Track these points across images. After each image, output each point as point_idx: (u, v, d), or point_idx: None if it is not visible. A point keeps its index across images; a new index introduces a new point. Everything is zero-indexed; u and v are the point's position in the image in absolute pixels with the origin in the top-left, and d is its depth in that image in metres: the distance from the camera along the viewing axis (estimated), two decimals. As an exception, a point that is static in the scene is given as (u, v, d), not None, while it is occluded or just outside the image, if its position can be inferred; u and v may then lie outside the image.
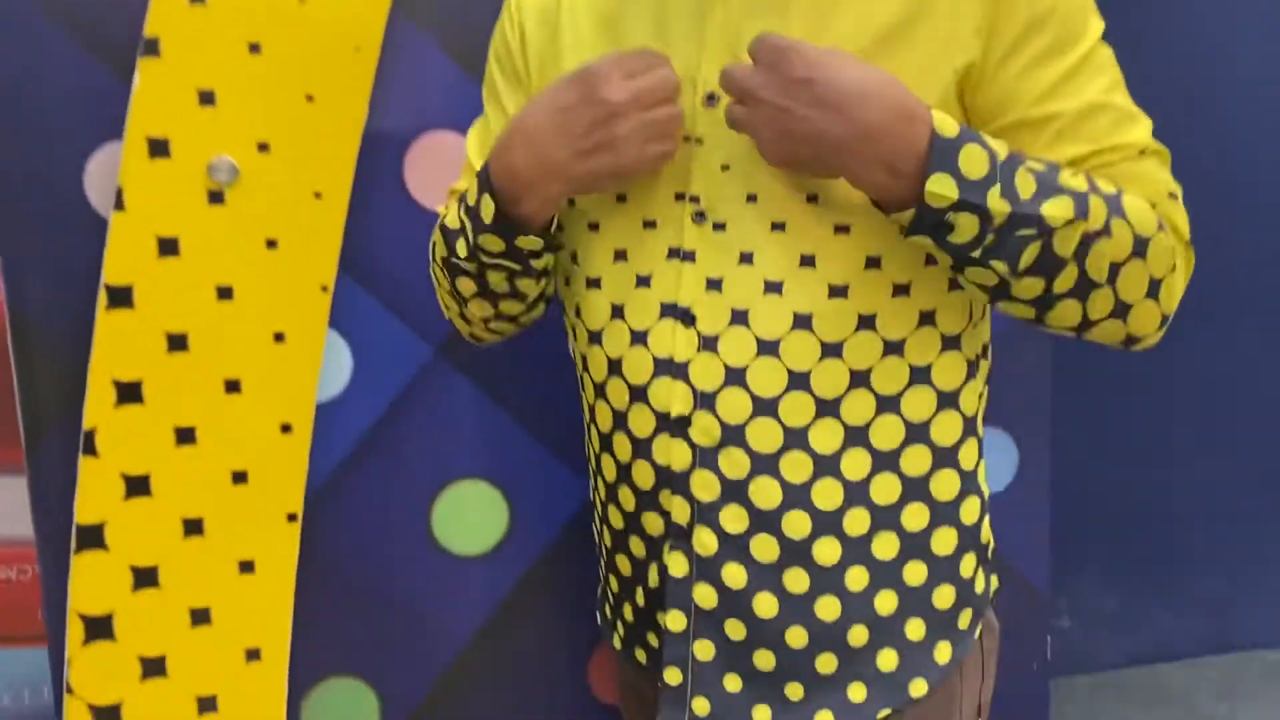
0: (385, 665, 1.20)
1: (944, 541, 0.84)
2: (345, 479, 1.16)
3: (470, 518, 1.21)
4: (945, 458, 0.83)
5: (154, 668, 1.09)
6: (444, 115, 1.12)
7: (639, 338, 0.82)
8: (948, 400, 0.82)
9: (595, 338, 0.85)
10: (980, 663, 0.89)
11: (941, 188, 0.68)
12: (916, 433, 0.81)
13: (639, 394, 0.82)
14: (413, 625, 1.20)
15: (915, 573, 0.83)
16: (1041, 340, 1.32)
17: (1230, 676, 2.43)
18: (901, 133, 0.69)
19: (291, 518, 1.13)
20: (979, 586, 0.87)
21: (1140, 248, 0.73)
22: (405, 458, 1.18)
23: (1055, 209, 0.70)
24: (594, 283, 0.85)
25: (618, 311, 0.83)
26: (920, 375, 0.81)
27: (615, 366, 0.84)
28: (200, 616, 1.10)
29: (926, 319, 0.80)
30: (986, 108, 0.76)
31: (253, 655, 1.13)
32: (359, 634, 1.19)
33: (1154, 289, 0.75)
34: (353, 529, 1.17)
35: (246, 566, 1.12)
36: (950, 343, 0.81)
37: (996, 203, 0.69)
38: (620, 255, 0.83)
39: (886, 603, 0.83)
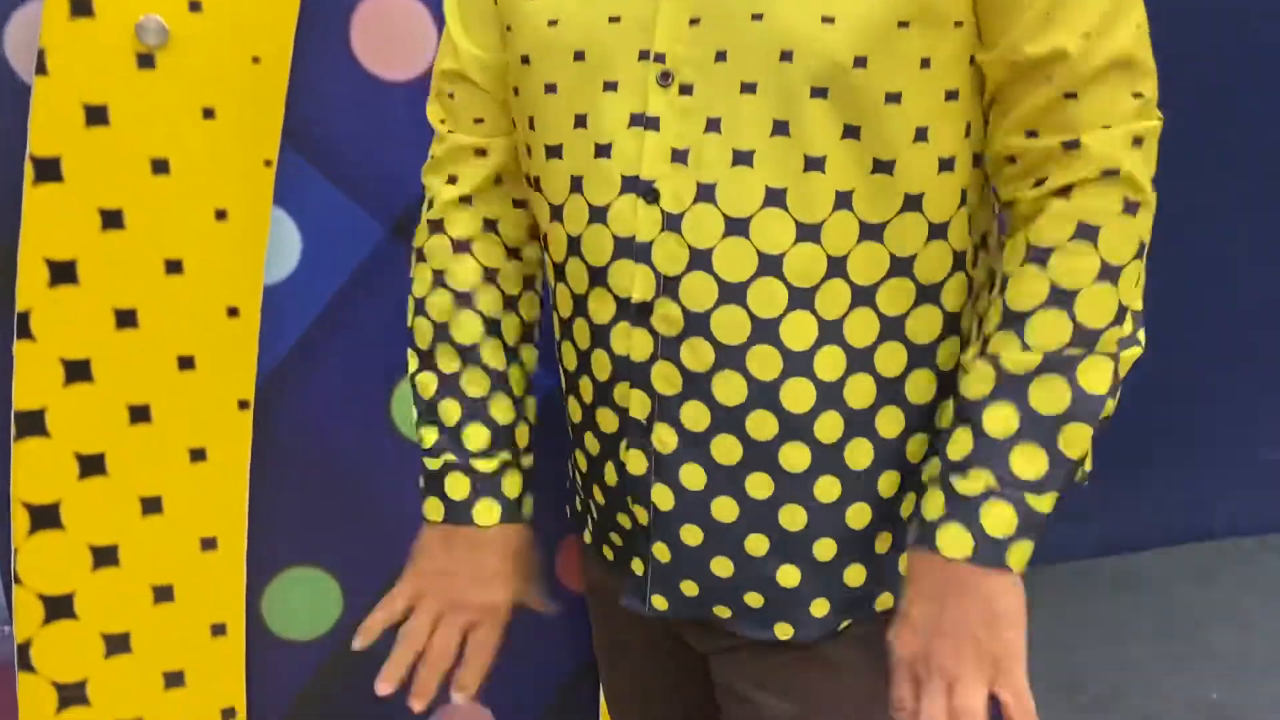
0: (347, 554, 1.18)
1: (918, 448, 0.78)
2: (298, 364, 1.12)
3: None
4: (921, 357, 0.77)
5: (105, 557, 1.06)
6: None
7: (598, 214, 0.76)
8: (926, 294, 0.75)
9: (556, 213, 0.79)
10: None
11: (1017, 561, 0.70)
12: (891, 329, 0.75)
13: (598, 277, 0.77)
14: (374, 513, 1.17)
15: (889, 483, 0.78)
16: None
17: (1206, 563, 2.46)
18: (987, 602, 0.70)
19: (243, 404, 1.09)
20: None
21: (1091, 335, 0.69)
22: (361, 341, 1.13)
23: (1077, 445, 0.69)
24: (554, 151, 0.78)
25: (577, 184, 0.77)
26: (900, 266, 0.74)
27: (574, 245, 0.78)
28: (151, 505, 1.07)
29: (911, 203, 0.73)
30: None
31: (208, 544, 1.10)
32: (319, 523, 1.16)
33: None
34: (309, 415, 1.13)
35: (198, 454, 1.08)
36: (936, 231, 0.74)
37: (1044, 504, 0.69)
38: (580, 121, 0.76)
39: (858, 516, 0.78)
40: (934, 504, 0.70)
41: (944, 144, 0.72)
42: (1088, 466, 0.73)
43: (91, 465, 1.04)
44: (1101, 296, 0.68)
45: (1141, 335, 0.73)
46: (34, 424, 1.01)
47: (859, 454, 0.76)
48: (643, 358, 0.76)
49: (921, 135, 0.71)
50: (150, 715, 1.10)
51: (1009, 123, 0.71)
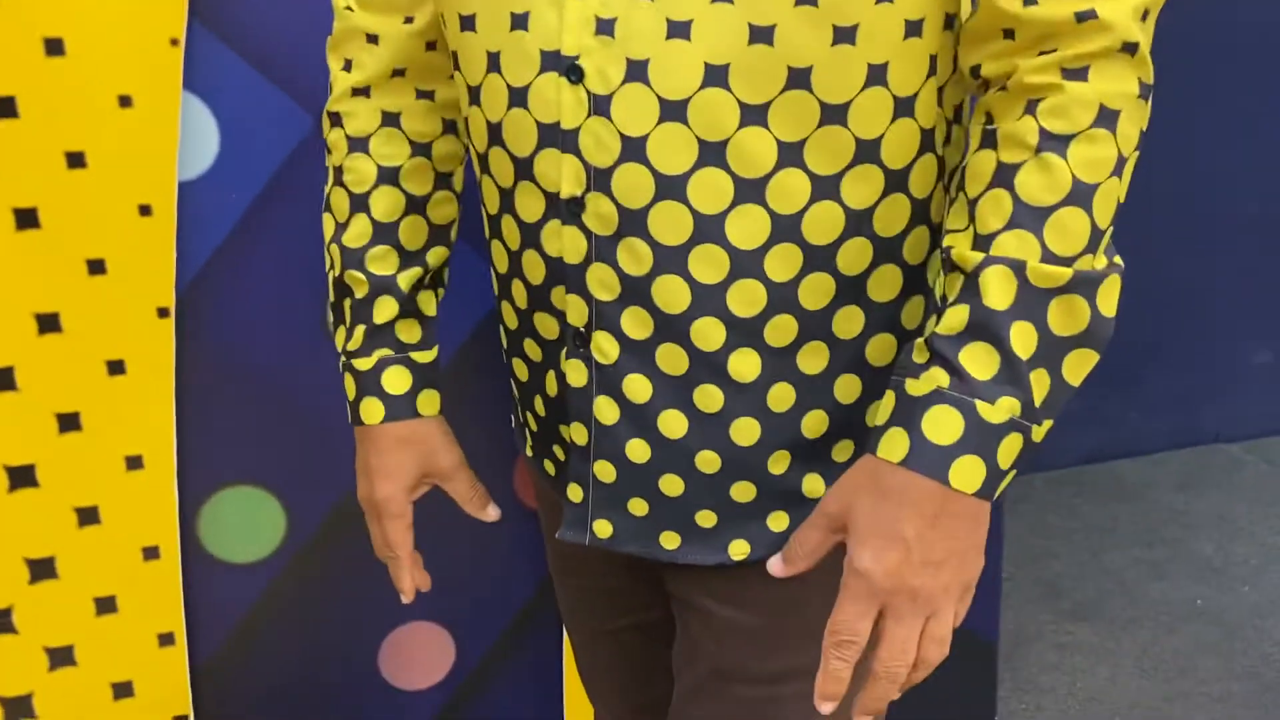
0: (289, 472, 1.11)
1: (881, 350, 0.71)
2: (223, 267, 1.03)
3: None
4: (887, 251, 0.68)
5: (22, 478, 0.99)
6: None
7: (518, 97, 0.66)
8: (894, 180, 0.67)
9: (474, 96, 0.70)
10: None
11: (1006, 483, 0.61)
12: (856, 223, 0.66)
13: (524, 169, 0.68)
14: (316, 428, 1.10)
15: (848, 388, 0.70)
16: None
17: (1190, 470, 2.43)
18: (969, 525, 0.62)
19: (162, 312, 1.00)
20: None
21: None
22: (291, 240, 1.04)
23: (1077, 369, 0.60)
24: (467, 23, 0.68)
25: (494, 62, 0.67)
26: (867, 151, 0.65)
27: (495, 133, 0.69)
28: (68, 422, 0.99)
29: (875, 76, 0.63)
30: None
31: (134, 463, 1.03)
32: (257, 438, 1.09)
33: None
34: (239, 322, 1.05)
35: (116, 367, 1.00)
36: (903, 107, 0.65)
37: (1039, 433, 0.60)
38: None
39: (815, 424, 0.71)
40: (949, 425, 0.61)
41: (911, 4, 0.63)
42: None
43: (1, 381, 0.96)
44: (1112, 192, 0.59)
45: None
46: (-70, 335, 0.93)
47: (814, 359, 0.69)
48: (576, 260, 0.68)
49: None
50: (84, 646, 1.04)
51: None
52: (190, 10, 0.95)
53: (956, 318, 0.59)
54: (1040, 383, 0.59)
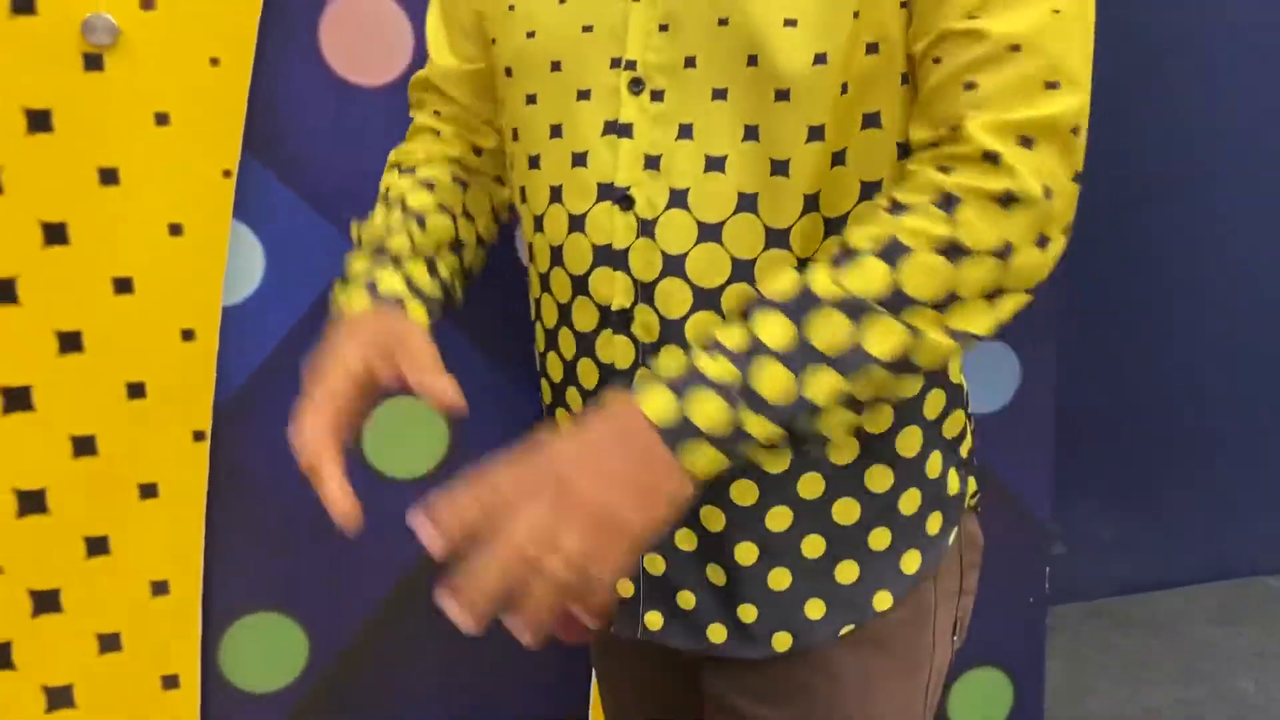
0: (313, 599, 1.09)
1: (909, 442, 0.75)
2: (260, 392, 1.03)
3: (406, 437, 1.08)
4: None
5: (47, 603, 0.97)
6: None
7: (577, 223, 0.74)
8: None
9: (538, 224, 0.78)
10: (958, 575, 0.81)
11: (702, 463, 0.60)
12: None
13: (580, 285, 0.75)
14: (343, 556, 1.08)
15: (880, 478, 0.74)
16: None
17: (1227, 603, 2.36)
18: (642, 458, 0.60)
19: (198, 436, 1.00)
20: (951, 488, 0.78)
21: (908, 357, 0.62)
22: (329, 369, 1.04)
23: (819, 388, 0.60)
24: (534, 162, 0.77)
25: (556, 194, 0.75)
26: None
27: (556, 255, 0.76)
28: (97, 546, 0.98)
29: (868, 193, 0.70)
30: None
31: (159, 589, 1.01)
32: (283, 565, 1.07)
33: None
34: (271, 448, 1.04)
35: (148, 490, 0.99)
36: None
37: (758, 427, 0.60)
38: (556, 131, 0.75)
39: (845, 511, 0.75)
40: (673, 364, 0.65)
41: (898, 129, 0.70)
42: (825, 431, 0.64)
43: (31, 502, 0.95)
44: (933, 268, 0.62)
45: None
46: (-34, 456, 0.93)
47: (843, 452, 0.74)
48: (626, 365, 0.74)
49: (872, 121, 0.69)
50: (94, 776, 1.01)
51: (916, 108, 0.68)
52: (243, 143, 0.97)
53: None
54: (775, 376, 0.60)
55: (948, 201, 0.62)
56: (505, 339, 1.10)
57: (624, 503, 0.59)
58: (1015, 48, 0.63)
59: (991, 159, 0.62)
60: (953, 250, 0.62)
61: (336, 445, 0.72)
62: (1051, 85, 0.63)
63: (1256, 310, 2.32)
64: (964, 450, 0.79)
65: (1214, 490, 2.39)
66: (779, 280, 0.64)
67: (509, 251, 1.07)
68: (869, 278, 0.62)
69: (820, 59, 0.67)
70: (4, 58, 0.88)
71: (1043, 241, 0.64)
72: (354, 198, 1.01)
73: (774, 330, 0.61)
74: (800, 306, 0.62)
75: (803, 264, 0.70)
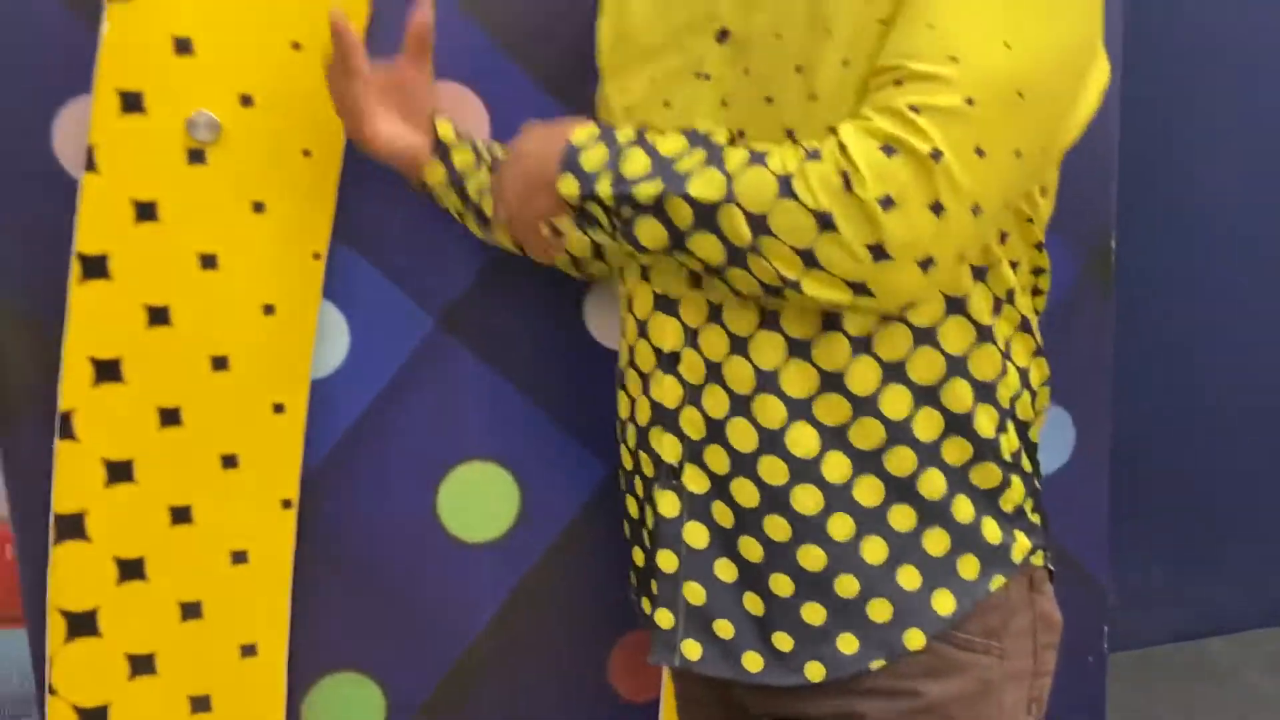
0: (390, 660, 1.13)
1: (932, 486, 0.79)
2: (343, 461, 1.08)
3: (479, 502, 1.12)
4: (926, 396, 0.79)
5: (143, 666, 1.02)
6: (447, 65, 1.02)
7: (644, 270, 0.84)
8: (922, 336, 0.78)
9: (621, 271, 0.90)
10: (1032, 655, 0.83)
11: (567, 187, 0.76)
12: (891, 372, 0.78)
13: (642, 329, 0.85)
14: (419, 617, 1.12)
15: (903, 518, 0.80)
16: (1100, 310, 1.21)
17: (1281, 652, 2.34)
18: (546, 153, 0.78)
19: (286, 504, 1.05)
20: (989, 537, 0.80)
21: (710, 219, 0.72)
22: (408, 437, 1.09)
23: (645, 188, 0.73)
24: (621, 271, 0.89)
25: (630, 304, 0.87)
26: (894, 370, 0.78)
27: (629, 305, 0.87)
28: (191, 610, 1.03)
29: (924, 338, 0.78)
30: None
31: (248, 651, 1.05)
32: (362, 627, 1.11)
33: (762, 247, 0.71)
34: (352, 514, 1.09)
35: (239, 556, 1.04)
36: (922, 336, 0.78)
37: (605, 188, 0.74)
38: None
39: (875, 550, 0.79)
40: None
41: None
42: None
43: (130, 570, 1.00)
44: (763, 181, 0.70)
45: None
46: (73, 528, 0.98)
47: (869, 493, 0.79)
48: (673, 405, 0.82)
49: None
50: (185, 832, 1.04)
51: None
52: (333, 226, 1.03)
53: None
54: (638, 160, 0.74)
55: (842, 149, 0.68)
56: (574, 405, 1.14)
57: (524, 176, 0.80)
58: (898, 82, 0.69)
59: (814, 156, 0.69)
60: (785, 187, 0.69)
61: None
62: (914, 107, 0.67)
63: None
64: (1005, 505, 0.82)
65: (1267, 535, 2.38)
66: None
67: (579, 324, 1.12)
68: (737, 156, 0.71)
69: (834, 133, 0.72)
70: (115, 153, 0.94)
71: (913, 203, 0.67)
72: (434, 273, 1.07)
73: (669, 143, 0.74)
74: (693, 139, 0.74)
75: (826, 316, 0.77)
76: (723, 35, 0.79)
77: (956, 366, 0.78)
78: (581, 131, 0.78)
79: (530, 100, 1.06)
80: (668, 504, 0.83)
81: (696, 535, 0.82)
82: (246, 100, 0.96)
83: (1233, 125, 2.13)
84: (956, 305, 0.78)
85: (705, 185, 0.71)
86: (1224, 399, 2.23)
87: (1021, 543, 0.82)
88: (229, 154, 0.97)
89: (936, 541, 0.80)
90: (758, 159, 0.70)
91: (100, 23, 0.93)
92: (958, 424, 0.79)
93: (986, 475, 0.81)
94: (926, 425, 0.78)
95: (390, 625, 1.12)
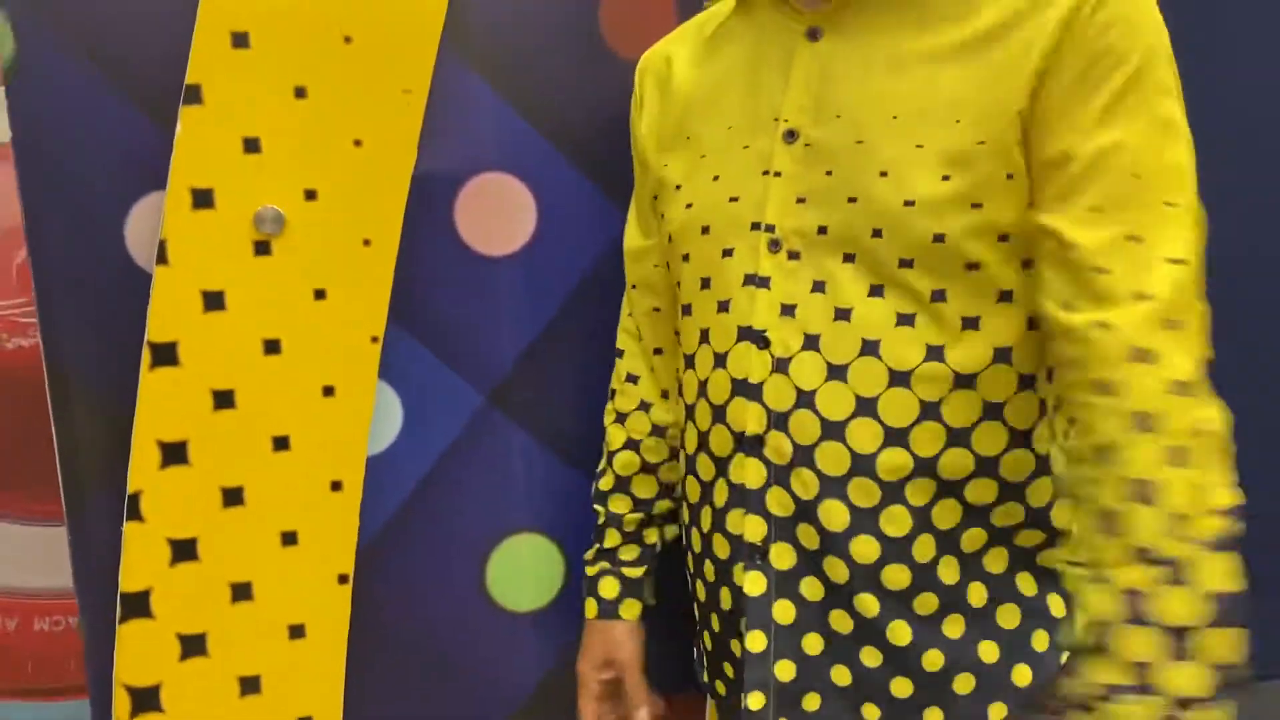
0: (441, 728, 1.15)
1: (996, 560, 0.84)
2: (396, 535, 1.12)
3: (526, 572, 1.15)
4: (1011, 491, 0.83)
5: (202, 740, 1.04)
6: (496, 157, 1.08)
7: (720, 360, 0.86)
8: (1019, 438, 0.82)
9: (689, 362, 0.91)
10: None
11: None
12: (985, 466, 0.82)
13: (719, 414, 0.87)
14: (468, 684, 1.15)
15: (976, 593, 0.83)
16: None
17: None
18: None
19: (343, 579, 1.08)
20: (1055, 610, 0.85)
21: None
22: (458, 511, 1.13)
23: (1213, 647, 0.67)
24: (687, 309, 0.91)
25: (704, 336, 0.88)
26: (992, 411, 0.81)
27: (702, 388, 0.89)
28: (250, 685, 1.06)
29: (1000, 356, 0.80)
30: (1039, 143, 0.76)
31: (305, 724, 1.08)
32: (413, 696, 1.14)
33: None
34: (404, 587, 1.12)
35: (297, 631, 1.07)
36: (1026, 381, 0.81)
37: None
38: (705, 283, 0.88)
39: (954, 626, 0.83)
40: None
41: (1028, 305, 0.80)
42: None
43: (193, 645, 1.03)
44: (1180, 481, 0.68)
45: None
46: (139, 606, 1.01)
47: (950, 570, 0.82)
48: (756, 485, 0.85)
49: (1006, 297, 0.79)
50: None
51: (1048, 292, 0.77)
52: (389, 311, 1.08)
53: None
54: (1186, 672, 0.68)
55: (1144, 421, 0.69)
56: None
57: None
58: (1130, 240, 0.72)
59: (1143, 355, 0.70)
60: (1177, 456, 0.68)
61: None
62: (1177, 260, 0.72)
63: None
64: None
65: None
66: (1096, 599, 0.69)
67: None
68: (1149, 524, 0.67)
69: (939, 238, 0.77)
70: (186, 246, 0.99)
71: None
72: (484, 353, 1.12)
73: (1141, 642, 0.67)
74: (1139, 609, 0.66)
75: (925, 406, 0.79)
76: (790, 136, 0.84)
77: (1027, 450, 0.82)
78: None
79: (573, 185, 1.11)
80: (754, 583, 0.85)
81: (784, 612, 0.85)
82: (310, 194, 1.02)
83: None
84: (1042, 407, 0.83)
85: (1217, 571, 0.68)
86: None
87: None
88: (293, 245, 1.02)
89: (1009, 616, 0.83)
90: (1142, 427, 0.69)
91: (171, 122, 0.98)
92: (1038, 515, 0.83)
93: (1047, 554, 0.85)
94: (1011, 509, 0.83)
95: (440, 693, 1.15)
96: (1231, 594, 0.67)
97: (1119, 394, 0.70)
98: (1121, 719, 0.67)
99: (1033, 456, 0.83)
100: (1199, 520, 0.68)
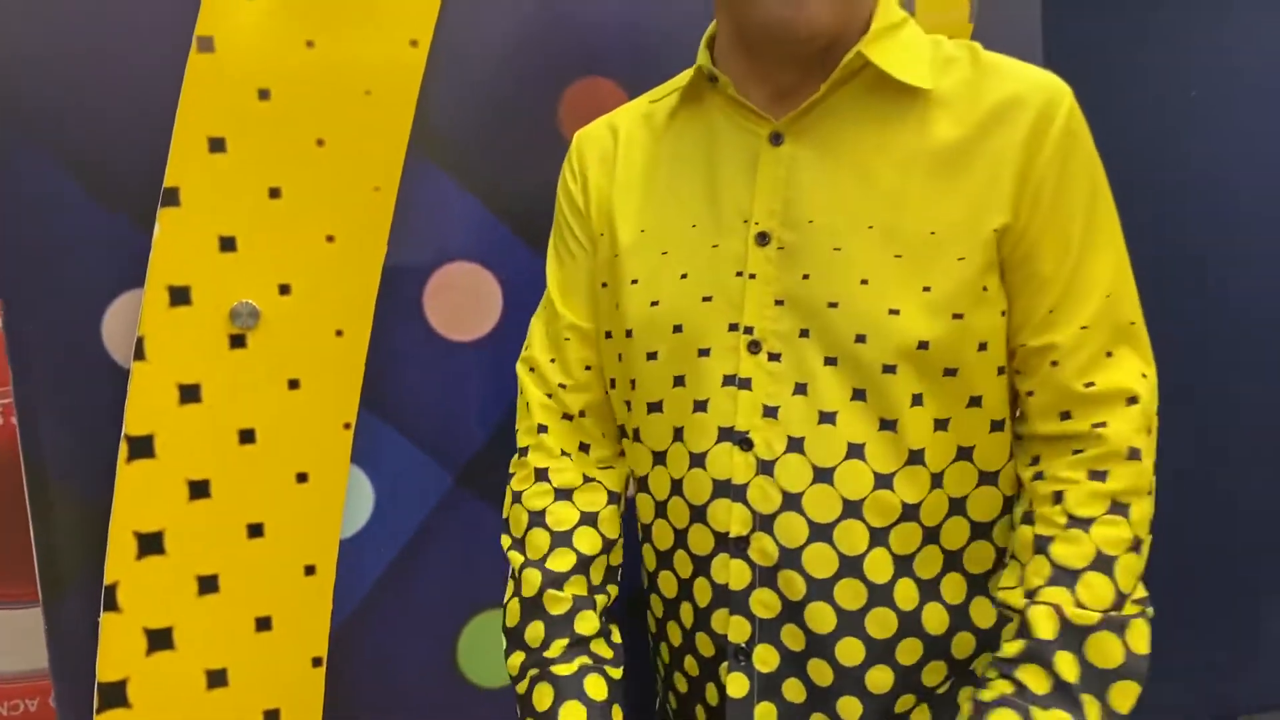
0: (415, 806, 1.17)
1: (980, 662, 0.86)
2: (368, 616, 1.14)
3: (497, 648, 1.18)
4: (977, 586, 0.86)
5: (178, 827, 1.05)
6: (462, 246, 1.12)
7: (698, 460, 0.86)
8: (980, 531, 0.85)
9: (659, 458, 0.89)
10: None
11: None
12: (952, 560, 0.85)
13: (698, 514, 0.86)
14: (441, 762, 1.17)
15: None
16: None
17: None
18: None
19: (316, 662, 1.10)
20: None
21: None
22: (428, 590, 1.15)
23: (1120, 696, 0.77)
24: (655, 407, 0.89)
25: (678, 434, 0.87)
26: (958, 507, 0.84)
27: (676, 486, 0.88)
28: (225, 768, 1.07)
29: (963, 454, 0.84)
30: (1020, 262, 0.81)
31: (280, 807, 1.09)
32: (387, 775, 1.16)
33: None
34: (377, 666, 1.15)
35: (271, 715, 1.08)
36: (987, 478, 0.85)
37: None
38: (679, 381, 0.87)
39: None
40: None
41: (995, 408, 0.84)
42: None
43: (169, 733, 1.04)
44: (1131, 565, 0.78)
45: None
46: (116, 696, 1.02)
47: (933, 674, 0.85)
48: (740, 587, 0.84)
49: (975, 402, 0.82)
50: None
51: (1037, 406, 0.83)
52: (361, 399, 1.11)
53: (1014, 647, 0.78)
54: (1091, 708, 0.75)
55: (1121, 509, 0.78)
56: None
57: None
58: (1119, 341, 0.81)
59: (1135, 456, 0.79)
60: (1137, 544, 0.78)
61: None
62: (1145, 375, 0.83)
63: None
64: None
65: (1218, 630, 2.43)
66: (1038, 618, 0.77)
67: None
68: (1100, 591, 0.77)
69: (923, 345, 0.79)
70: (163, 342, 1.02)
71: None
72: (452, 435, 1.15)
73: (1069, 667, 0.75)
74: (1070, 637, 0.76)
75: (906, 508, 0.82)
76: (762, 238, 0.83)
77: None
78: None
79: (537, 271, 1.16)
80: (736, 685, 0.85)
81: (765, 716, 0.85)
82: (284, 289, 1.05)
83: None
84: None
85: (1141, 637, 0.78)
86: (1252, 470, 2.26)
87: None
88: (267, 338, 1.05)
89: None
90: (1102, 563, 0.78)
91: (148, 221, 1.01)
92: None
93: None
94: (984, 608, 0.86)
95: (414, 773, 1.17)
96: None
97: (1109, 482, 0.79)
98: None
99: (993, 550, 0.86)
100: (1125, 604, 0.78)
